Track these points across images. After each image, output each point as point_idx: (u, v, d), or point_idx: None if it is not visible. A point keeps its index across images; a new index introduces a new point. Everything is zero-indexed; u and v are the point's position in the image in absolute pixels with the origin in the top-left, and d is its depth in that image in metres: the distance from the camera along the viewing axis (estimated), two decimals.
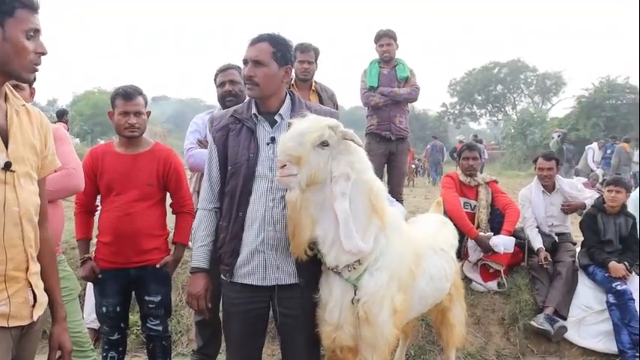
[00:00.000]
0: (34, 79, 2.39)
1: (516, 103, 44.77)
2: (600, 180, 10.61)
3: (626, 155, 12.90)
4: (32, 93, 2.85)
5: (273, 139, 2.33)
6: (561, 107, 40.77)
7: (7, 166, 1.68)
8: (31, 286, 1.79)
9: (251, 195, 2.32)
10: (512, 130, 32.75)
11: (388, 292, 2.32)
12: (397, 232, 2.42)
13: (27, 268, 1.77)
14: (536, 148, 29.79)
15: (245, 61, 2.33)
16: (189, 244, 3.40)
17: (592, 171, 13.75)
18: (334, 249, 2.24)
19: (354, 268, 2.28)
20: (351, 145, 2.22)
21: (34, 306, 1.80)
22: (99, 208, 3.23)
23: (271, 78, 2.32)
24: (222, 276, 2.44)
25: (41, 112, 1.93)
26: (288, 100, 2.42)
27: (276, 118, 2.38)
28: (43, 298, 1.86)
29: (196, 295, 2.46)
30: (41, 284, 1.85)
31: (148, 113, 3.11)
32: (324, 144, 2.14)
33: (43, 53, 1.74)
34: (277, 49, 2.31)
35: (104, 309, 3.05)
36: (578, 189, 4.77)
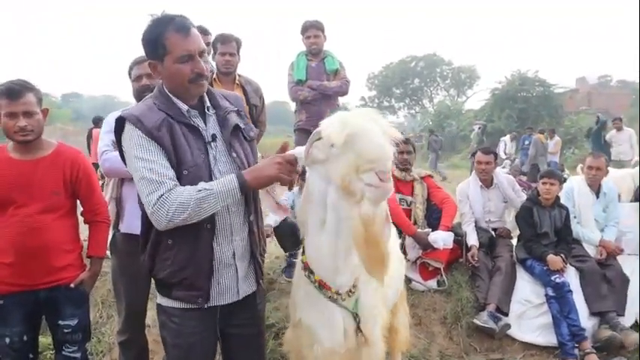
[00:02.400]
0: None
1: (433, 96, 46.08)
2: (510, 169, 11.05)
3: (542, 146, 13.42)
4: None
5: (214, 137, 2.07)
6: (476, 100, 42.38)
7: None
8: None
9: None
10: (430, 123, 33.61)
11: (378, 306, 2.26)
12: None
13: None
14: (453, 140, 30.78)
15: (189, 56, 1.97)
16: (107, 253, 3.03)
17: (503, 161, 14.36)
18: (341, 273, 2.09)
19: (352, 292, 2.14)
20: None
21: None
22: None
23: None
24: (178, 304, 2.09)
25: None
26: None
27: (209, 112, 2.11)
28: None
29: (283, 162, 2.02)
30: None
31: (45, 111, 2.65)
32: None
33: None
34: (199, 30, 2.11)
35: (7, 339, 2.61)
36: (515, 189, 4.74)
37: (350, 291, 2.13)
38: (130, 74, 3.21)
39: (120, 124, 1.99)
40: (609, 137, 12.02)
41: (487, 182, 4.66)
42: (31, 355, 2.72)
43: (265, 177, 1.97)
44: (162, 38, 1.95)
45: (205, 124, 2.08)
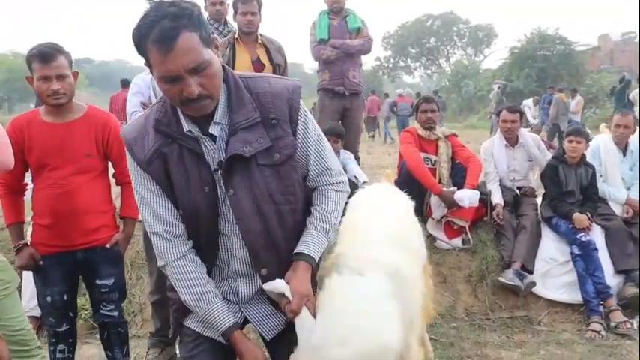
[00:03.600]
0: None
1: (450, 55, 45.50)
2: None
3: (563, 105, 13.23)
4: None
5: (220, 165, 1.62)
6: (494, 59, 41.82)
7: None
8: None
9: (218, 249, 1.72)
10: (447, 83, 33.28)
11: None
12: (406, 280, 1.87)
13: None
14: (470, 100, 30.45)
15: (174, 78, 1.48)
16: (139, 217, 3.08)
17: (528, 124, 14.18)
18: None
19: None
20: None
21: None
22: (29, 187, 2.82)
23: (218, 73, 1.57)
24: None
25: None
26: (223, 91, 1.63)
27: (212, 130, 1.62)
28: None
29: None
30: None
31: (75, 74, 2.66)
32: None
33: None
34: (202, 30, 1.50)
35: (49, 299, 2.69)
36: (540, 148, 4.69)
37: None
38: None
39: None
40: (632, 96, 11.81)
41: (512, 141, 4.62)
42: (71, 314, 2.81)
43: None
44: (144, 49, 1.50)
45: (216, 144, 1.64)
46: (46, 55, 2.53)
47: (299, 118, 1.69)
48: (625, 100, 12.15)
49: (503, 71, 28.54)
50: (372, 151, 13.85)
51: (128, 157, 1.67)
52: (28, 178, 2.78)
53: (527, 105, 15.75)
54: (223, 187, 1.63)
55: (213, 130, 1.61)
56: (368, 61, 40.56)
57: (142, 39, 1.48)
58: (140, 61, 1.58)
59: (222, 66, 1.62)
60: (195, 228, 1.67)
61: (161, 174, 1.63)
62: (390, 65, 45.58)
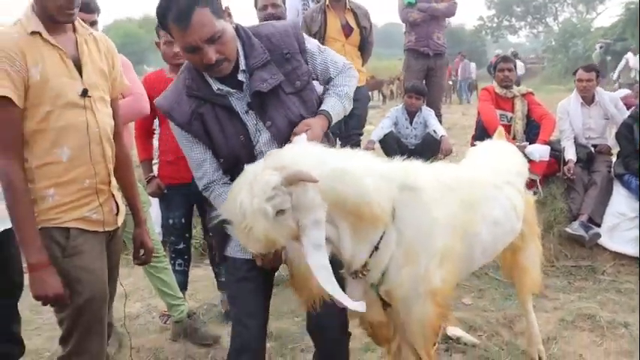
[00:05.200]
0: (92, 20, 2.62)
1: (558, 13, 42.83)
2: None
3: None
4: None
5: (250, 105, 1.89)
6: (608, 16, 38.78)
7: (85, 93, 1.92)
8: (113, 197, 2.09)
9: None
10: (554, 43, 31.69)
11: (416, 277, 1.99)
12: (413, 208, 1.97)
13: (109, 182, 2.06)
14: (578, 61, 28.71)
15: (195, 48, 1.73)
16: None
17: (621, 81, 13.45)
18: (347, 260, 1.95)
19: (364, 274, 1.97)
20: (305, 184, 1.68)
21: (117, 214, 2.12)
22: (156, 132, 3.50)
23: (232, 39, 1.81)
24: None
25: (107, 37, 2.13)
26: (239, 44, 1.88)
27: (240, 77, 1.87)
28: (122, 207, 2.16)
29: None
30: (120, 195, 2.15)
31: None
32: (281, 212, 1.66)
33: (71, 0, 1.84)
34: (212, 5, 1.73)
35: (171, 221, 3.38)
36: (618, 107, 4.79)
37: (361, 271, 1.95)
38: (255, 3, 3.73)
39: None
40: None
41: (588, 99, 4.75)
42: (187, 235, 3.49)
43: None
44: (166, 26, 1.76)
45: (242, 92, 1.89)
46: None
47: (306, 47, 1.98)
48: None
49: (617, 29, 26.61)
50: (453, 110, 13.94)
51: (170, 122, 1.95)
52: (155, 124, 3.46)
53: (627, 58, 14.86)
54: (260, 124, 1.89)
55: (241, 77, 1.86)
56: (470, 21, 39.24)
57: (163, 18, 1.73)
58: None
59: (234, 26, 1.87)
60: (235, 171, 1.81)
61: (201, 131, 1.88)
62: (494, 25, 43.75)
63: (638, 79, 14.10)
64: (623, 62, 14.84)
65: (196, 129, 1.88)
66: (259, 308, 2.08)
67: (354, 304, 1.76)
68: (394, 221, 1.93)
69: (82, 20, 2.06)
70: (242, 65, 1.86)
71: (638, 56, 14.81)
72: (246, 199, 1.63)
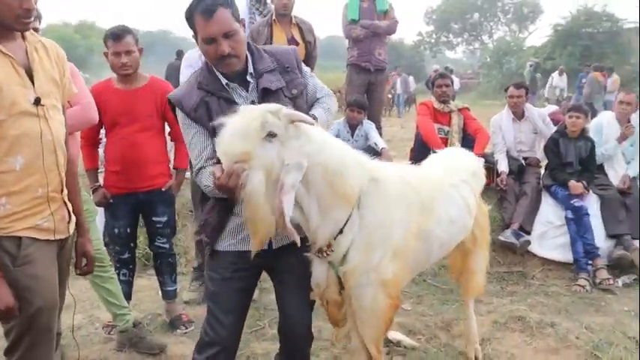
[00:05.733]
0: (35, 27, 2.58)
1: (493, 31, 44.74)
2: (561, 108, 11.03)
3: (597, 84, 13.30)
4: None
5: (253, 103, 2.11)
6: (538, 36, 41.00)
7: (37, 102, 1.91)
8: (65, 205, 2.08)
9: None
10: (489, 59, 32.94)
11: (368, 266, 2.14)
12: (377, 199, 2.14)
13: (62, 190, 2.05)
14: (512, 77, 30.00)
15: (212, 39, 2.03)
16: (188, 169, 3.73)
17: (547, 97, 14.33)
18: (311, 236, 2.11)
19: (328, 253, 2.11)
20: (300, 128, 1.92)
21: (68, 222, 2.11)
22: (102, 141, 3.50)
23: (243, 41, 2.12)
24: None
25: (56, 44, 2.12)
26: (249, 55, 2.19)
27: (249, 78, 2.16)
28: (74, 215, 2.15)
29: None
30: (70, 203, 2.14)
31: (141, 50, 3.32)
32: (271, 134, 1.84)
33: (29, 9, 1.85)
34: (233, 9, 2.06)
35: (116, 230, 3.38)
36: (545, 122, 5.12)
37: (325, 250, 2.09)
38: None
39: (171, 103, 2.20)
40: None
41: (518, 115, 5.06)
42: (132, 244, 3.50)
43: None
44: (192, 19, 2.06)
45: (247, 92, 2.16)
46: (116, 35, 3.19)
47: (302, 67, 2.31)
48: None
49: (547, 49, 28.08)
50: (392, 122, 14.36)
51: (178, 112, 2.14)
52: (101, 134, 3.45)
53: (553, 76, 15.87)
54: None
55: (249, 78, 2.15)
56: (409, 37, 40.39)
57: (191, 12, 2.04)
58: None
59: (247, 42, 2.18)
60: None
61: (205, 118, 2.08)
62: (432, 40, 45.19)
63: (563, 95, 14.99)
64: (549, 81, 15.75)
65: (201, 115, 2.09)
66: (240, 307, 2.25)
67: (297, 236, 1.90)
68: (359, 208, 2.10)
69: None
70: (250, 69, 2.15)
71: (563, 76, 15.79)
72: (246, 111, 1.88)
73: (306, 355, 2.39)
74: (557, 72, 16.25)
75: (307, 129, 1.95)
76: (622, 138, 4.90)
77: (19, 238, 1.90)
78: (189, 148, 2.17)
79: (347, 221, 2.07)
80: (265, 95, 2.13)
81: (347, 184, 2.03)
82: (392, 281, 2.20)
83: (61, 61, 2.10)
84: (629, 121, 4.97)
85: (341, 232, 2.07)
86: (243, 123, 1.83)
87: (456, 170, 2.76)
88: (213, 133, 2.01)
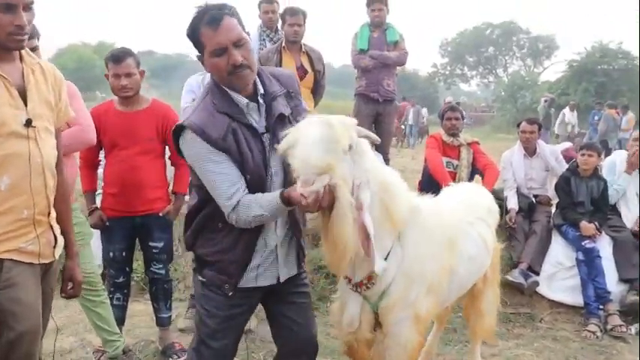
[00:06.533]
0: (32, 46, 2.53)
1: (508, 65, 44.87)
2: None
3: (613, 122, 13.17)
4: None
5: (267, 129, 2.02)
6: (553, 71, 40.84)
7: (29, 123, 1.89)
8: (52, 229, 2.03)
9: None
10: (503, 93, 32.94)
11: (407, 301, 2.10)
12: (417, 229, 2.11)
13: (49, 213, 2.00)
14: (525, 112, 29.95)
15: (222, 50, 1.92)
16: (186, 197, 3.66)
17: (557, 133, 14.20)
18: (357, 266, 2.06)
19: (368, 287, 2.07)
20: (363, 144, 1.91)
21: (54, 246, 2.05)
22: (101, 163, 3.44)
23: (253, 53, 2.05)
24: (211, 289, 2.12)
25: (54, 67, 2.11)
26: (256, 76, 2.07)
27: (260, 100, 2.04)
28: (60, 240, 2.10)
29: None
30: (58, 227, 2.09)
31: (142, 72, 3.27)
32: (349, 148, 1.82)
33: (20, 26, 1.83)
34: (238, 18, 1.97)
35: (111, 254, 3.30)
36: (558, 160, 5.01)
37: (366, 284, 2.06)
38: None
39: (180, 131, 1.96)
40: None
41: (530, 151, 4.96)
42: (127, 269, 3.41)
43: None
44: (197, 34, 1.94)
45: (259, 116, 2.05)
46: (117, 57, 3.16)
47: (300, 93, 2.25)
48: None
49: (561, 84, 28.07)
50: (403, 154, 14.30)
51: (197, 142, 1.90)
52: (101, 155, 3.40)
53: (564, 112, 15.77)
54: (271, 146, 1.99)
55: (261, 99, 2.03)
56: (423, 68, 40.70)
57: (195, 26, 1.93)
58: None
59: None
60: (257, 188, 1.97)
61: (234, 147, 1.92)
62: (447, 72, 45.41)
63: (575, 131, 14.86)
64: (560, 117, 15.63)
65: (230, 144, 1.93)
66: (237, 343, 2.22)
67: (381, 263, 1.90)
68: (400, 239, 2.07)
69: None
70: (261, 90, 2.03)
71: (574, 112, 15.70)
72: (320, 120, 1.80)
73: None
74: (567, 107, 16.15)
75: (365, 147, 1.93)
76: (630, 168, 4.76)
77: (2, 260, 1.85)
78: (214, 181, 1.93)
79: (389, 252, 2.01)
80: (278, 121, 2.03)
81: (401, 208, 1.99)
82: (425, 318, 2.16)
83: (58, 84, 2.08)
84: None
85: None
86: (324, 133, 1.75)
87: (473, 206, 2.70)
88: (239, 158, 1.93)
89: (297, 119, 2.09)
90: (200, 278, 2.14)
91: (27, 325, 1.87)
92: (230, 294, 2.07)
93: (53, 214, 2.04)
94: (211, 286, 2.10)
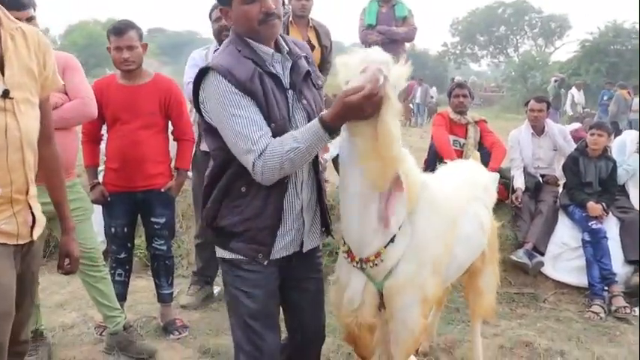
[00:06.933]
0: (28, 15, 2.42)
1: (519, 45, 44.25)
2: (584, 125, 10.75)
3: (624, 102, 12.95)
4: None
5: (292, 85, 1.96)
6: (565, 51, 40.41)
7: (6, 94, 1.71)
8: (30, 208, 1.88)
9: None
10: (513, 73, 32.56)
11: (416, 282, 2.02)
12: (426, 207, 2.04)
13: (27, 191, 1.85)
14: (535, 92, 29.59)
15: None
16: (189, 172, 3.64)
17: (571, 114, 14.06)
18: (367, 243, 1.97)
19: (376, 264, 1.97)
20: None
21: (33, 227, 1.90)
22: (104, 137, 3.41)
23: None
24: (242, 266, 1.98)
25: (39, 32, 1.92)
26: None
27: (287, 56, 1.98)
28: (42, 219, 1.95)
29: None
30: (39, 206, 1.93)
31: (144, 46, 3.22)
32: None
33: None
34: None
35: (113, 229, 3.29)
36: (566, 139, 4.93)
37: (373, 261, 1.97)
38: (210, 15, 3.70)
39: (203, 75, 1.88)
40: None
41: (538, 130, 4.88)
42: (129, 244, 3.40)
43: (346, 113, 1.75)
44: None
45: (283, 71, 1.97)
46: (118, 29, 3.11)
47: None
48: None
49: (572, 65, 27.73)
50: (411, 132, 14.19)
51: (222, 84, 1.81)
52: (103, 130, 3.37)
53: (571, 93, 15.58)
54: (296, 102, 1.95)
55: (285, 54, 1.97)
56: (434, 47, 40.24)
57: None
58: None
59: None
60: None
61: (260, 91, 1.84)
62: (457, 52, 44.93)
63: (581, 111, 14.69)
64: (569, 97, 15.44)
65: (257, 87, 1.84)
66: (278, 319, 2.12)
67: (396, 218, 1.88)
68: (410, 215, 1.99)
69: (17, 19, 1.89)
70: (286, 48, 1.98)
71: (581, 91, 15.51)
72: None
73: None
74: (574, 87, 15.97)
75: None
76: None
77: None
78: (238, 125, 1.81)
79: (400, 227, 1.92)
80: (304, 79, 2.00)
81: (417, 181, 1.96)
82: (431, 299, 2.09)
83: (42, 50, 1.88)
84: None
85: (392, 240, 1.93)
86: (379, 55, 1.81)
87: (470, 185, 2.62)
88: (264, 104, 1.85)
89: (319, 83, 2.09)
90: (227, 256, 1.99)
91: None
92: (265, 263, 1.95)
93: (33, 192, 1.89)
94: (242, 263, 1.97)
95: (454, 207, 2.27)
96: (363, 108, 1.71)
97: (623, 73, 24.50)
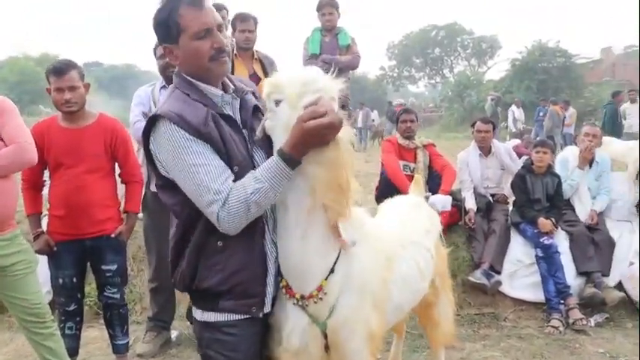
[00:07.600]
0: None
1: (454, 65, 45.87)
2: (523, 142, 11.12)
3: (558, 117, 13.57)
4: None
5: (244, 123, 1.84)
6: (497, 70, 42.01)
7: None
8: None
9: None
10: (450, 93, 33.63)
11: (360, 316, 1.88)
12: (364, 239, 1.90)
13: None
14: (472, 111, 30.75)
15: (206, 31, 1.73)
16: (139, 214, 3.48)
17: (514, 131, 14.64)
18: (296, 274, 1.81)
19: (320, 299, 1.80)
20: None
21: None
22: (46, 183, 3.23)
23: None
24: (223, 330, 1.80)
25: None
26: None
27: (234, 94, 1.87)
28: None
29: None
30: None
31: (87, 85, 3.10)
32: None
33: None
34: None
35: (60, 280, 3.10)
36: (512, 158, 5.08)
37: (316, 295, 1.80)
38: (154, 52, 3.60)
39: (153, 123, 1.72)
40: (623, 109, 12.03)
41: (485, 150, 5.00)
42: (79, 295, 3.21)
43: (307, 141, 1.64)
44: (174, 16, 1.72)
45: (233, 112, 1.85)
46: (59, 69, 2.97)
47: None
48: (617, 114, 12.29)
49: (505, 83, 28.90)
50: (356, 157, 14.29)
51: (174, 132, 1.67)
52: (45, 175, 3.19)
53: (512, 110, 16.26)
54: (252, 139, 1.83)
55: (232, 93, 1.86)
56: (372, 71, 41.12)
57: (172, 8, 1.73)
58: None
59: None
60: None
61: (217, 135, 1.70)
62: (395, 74, 46.08)
63: (521, 128, 15.30)
64: (510, 114, 16.07)
65: (212, 130, 1.69)
66: None
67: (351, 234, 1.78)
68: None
69: None
70: (231, 86, 1.87)
71: (520, 108, 16.21)
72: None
73: None
74: (514, 105, 16.66)
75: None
76: (582, 163, 4.85)
77: None
78: (197, 174, 1.66)
79: (336, 260, 1.79)
80: (254, 115, 1.88)
81: (354, 209, 1.83)
82: (376, 334, 1.94)
83: None
84: (593, 157, 4.93)
85: (332, 270, 1.79)
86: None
87: (410, 228, 2.52)
88: (222, 148, 1.71)
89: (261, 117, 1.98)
90: (212, 319, 1.80)
91: None
92: (261, 315, 1.80)
93: None
94: (221, 325, 1.79)
95: (388, 248, 2.15)
96: (324, 134, 1.64)
97: (551, 89, 25.72)
